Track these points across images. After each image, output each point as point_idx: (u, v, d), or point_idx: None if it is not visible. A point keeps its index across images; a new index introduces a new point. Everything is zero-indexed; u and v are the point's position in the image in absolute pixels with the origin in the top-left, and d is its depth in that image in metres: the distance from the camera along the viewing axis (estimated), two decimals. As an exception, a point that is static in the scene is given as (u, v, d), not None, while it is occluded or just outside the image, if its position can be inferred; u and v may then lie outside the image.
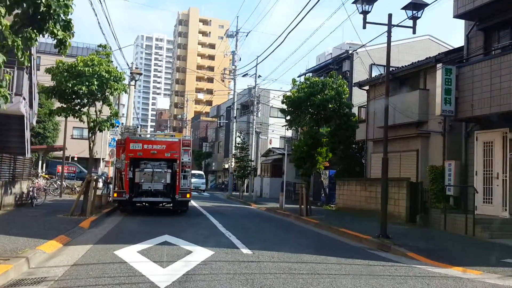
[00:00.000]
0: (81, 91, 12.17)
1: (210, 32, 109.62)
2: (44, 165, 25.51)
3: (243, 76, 38.37)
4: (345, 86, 15.96)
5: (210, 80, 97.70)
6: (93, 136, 13.17)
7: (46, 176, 22.05)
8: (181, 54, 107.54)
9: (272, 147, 37.47)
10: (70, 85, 11.99)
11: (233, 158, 33.54)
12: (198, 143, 62.34)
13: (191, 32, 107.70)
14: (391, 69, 19.00)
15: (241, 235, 9.98)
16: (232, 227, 11.73)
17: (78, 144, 42.52)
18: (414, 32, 11.25)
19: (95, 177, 12.90)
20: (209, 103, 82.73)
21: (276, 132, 44.83)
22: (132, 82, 21.88)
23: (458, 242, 10.77)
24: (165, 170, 14.36)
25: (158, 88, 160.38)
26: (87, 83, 12.10)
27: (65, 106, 12.81)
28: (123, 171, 13.97)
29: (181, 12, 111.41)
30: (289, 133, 42.62)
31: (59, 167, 25.85)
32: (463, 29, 14.41)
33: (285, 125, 41.03)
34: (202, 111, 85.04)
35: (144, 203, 14.77)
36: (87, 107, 13.27)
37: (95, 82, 12.16)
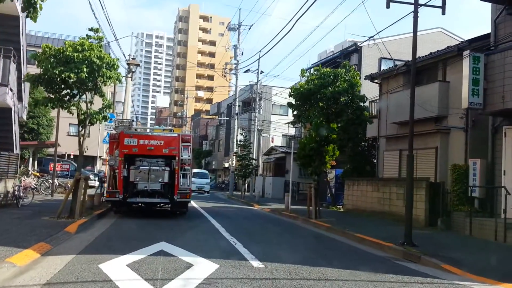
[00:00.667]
0: (69, 79, 10.93)
1: (210, 29, 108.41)
2: (36, 162, 24.26)
3: (245, 71, 37.10)
4: (357, 78, 14.70)
5: (211, 77, 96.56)
6: (84, 130, 11.93)
7: (38, 174, 20.80)
8: (181, 51, 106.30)
9: (275, 145, 36.24)
10: (57, 72, 10.75)
11: (235, 157, 32.31)
12: (198, 141, 61.12)
13: (192, 29, 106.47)
14: (404, 61, 17.79)
15: (247, 242, 8.76)
16: (236, 232, 10.51)
17: (75, 141, 41.33)
18: (443, 13, 10.01)
19: (85, 176, 11.67)
20: (209, 101, 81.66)
21: (278, 130, 43.62)
22: (129, 75, 20.65)
23: (493, 250, 9.56)
24: (163, 168, 13.15)
25: (158, 86, 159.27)
26: (76, 70, 10.86)
27: (52, 96, 11.55)
28: (117, 168, 12.75)
29: (181, 8, 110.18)
30: (292, 131, 41.49)
31: (52, 165, 24.64)
32: (490, 15, 13.17)
33: (288, 123, 39.89)
34: (202, 109, 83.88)
35: (139, 204, 13.53)
36: (77, 98, 12.04)
37: (85, 69, 10.91)
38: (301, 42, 53.15)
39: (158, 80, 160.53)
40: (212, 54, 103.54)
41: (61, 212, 11.05)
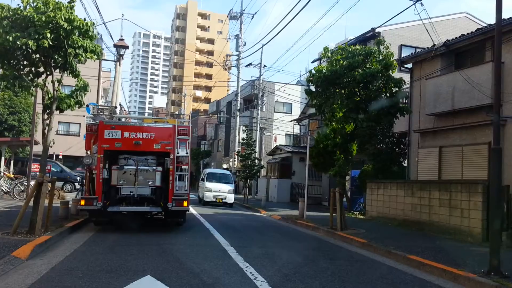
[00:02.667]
0: (28, 48, 8.20)
1: (209, 27, 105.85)
2: (12, 162, 21.47)
3: (247, 66, 34.41)
4: (391, 58, 11.99)
5: (209, 76, 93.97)
6: (49, 118, 9.18)
7: (12, 175, 18.03)
8: (179, 49, 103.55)
9: (280, 145, 33.48)
10: (11, 38, 8.00)
11: (237, 156, 29.56)
12: (196, 141, 58.28)
13: (189, 26, 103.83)
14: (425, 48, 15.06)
15: (273, 277, 6.01)
16: (252, 255, 7.78)
17: (65, 140, 38.51)
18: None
19: (50, 178, 8.91)
20: (207, 100, 79.17)
21: (282, 129, 40.93)
22: (118, 63, 17.90)
23: None
24: (154, 168, 10.41)
25: (155, 87, 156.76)
26: (36, 36, 8.13)
27: (7, 72, 8.80)
28: (95, 169, 10.00)
29: (179, 5, 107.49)
30: (296, 130, 38.78)
31: (34, 166, 21.89)
32: None
33: (294, 120, 37.15)
34: (200, 108, 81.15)
35: (124, 213, 10.72)
36: (43, 77, 9.32)
37: (49, 35, 8.18)
38: (304, 34, 50.49)
39: (156, 80, 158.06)
40: (210, 53, 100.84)
41: (18, 226, 8.31)
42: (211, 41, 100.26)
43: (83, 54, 9.08)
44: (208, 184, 22.34)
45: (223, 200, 21.88)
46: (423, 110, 14.56)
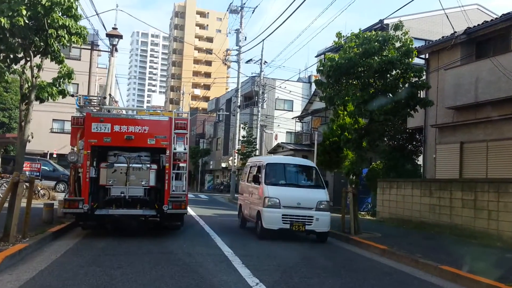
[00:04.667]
0: (1, 26, 7.07)
1: (207, 25, 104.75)
2: (0, 160, 20.29)
3: (247, 62, 33.25)
4: (411, 44, 10.87)
5: (207, 75, 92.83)
6: (27, 108, 8.04)
7: (-2, 174, 16.85)
8: (177, 48, 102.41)
9: (282, 142, 32.36)
10: (-21, 16, 6.87)
11: (237, 155, 28.44)
12: (194, 140, 57.13)
13: (188, 24, 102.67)
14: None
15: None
16: (260, 266, 6.66)
17: (59, 138, 37.27)
18: None
19: (27, 177, 7.77)
20: (206, 99, 78.12)
21: (282, 127, 39.84)
22: (111, 54, 16.73)
23: None
24: (148, 165, 9.27)
25: (154, 86, 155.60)
26: (10, 13, 6.99)
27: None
28: (81, 167, 8.86)
29: (177, 3, 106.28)
30: (298, 127, 37.67)
31: (25, 164, 20.85)
32: None
33: (296, 117, 35.98)
34: (198, 107, 79.97)
35: (115, 216, 9.53)
36: (22, 63, 8.19)
37: (24, 12, 7.04)
38: (303, 30, 49.56)
39: (154, 80, 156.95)
40: (209, 51, 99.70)
41: (-10, 233, 7.18)
42: (209, 40, 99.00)
43: (66, 36, 7.94)
44: (273, 190, 10.12)
45: (308, 227, 10.02)
46: (441, 103, 13.45)
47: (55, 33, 7.77)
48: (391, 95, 11.00)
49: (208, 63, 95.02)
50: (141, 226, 10.44)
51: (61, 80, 8.45)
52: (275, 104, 42.12)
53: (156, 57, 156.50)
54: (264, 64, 33.69)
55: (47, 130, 35.99)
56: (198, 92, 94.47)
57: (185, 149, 9.27)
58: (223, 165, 46.21)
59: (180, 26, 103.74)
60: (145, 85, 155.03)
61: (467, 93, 12.44)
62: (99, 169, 9.08)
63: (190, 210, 17.50)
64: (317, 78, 12.76)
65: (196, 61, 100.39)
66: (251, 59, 33.29)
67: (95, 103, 9.30)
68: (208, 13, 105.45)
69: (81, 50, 36.57)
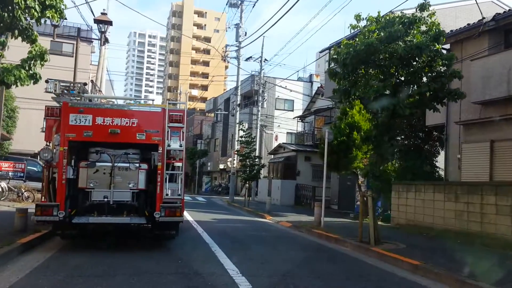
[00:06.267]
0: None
1: (205, 25, 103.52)
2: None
3: (247, 59, 31.88)
4: (439, 27, 9.50)
5: (205, 75, 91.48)
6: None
7: (-24, 175, 15.42)
8: (174, 47, 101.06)
9: (283, 143, 30.97)
10: None
11: (236, 155, 27.00)
12: (192, 141, 55.69)
13: (186, 24, 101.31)
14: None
15: None
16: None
17: (51, 138, 35.93)
18: None
19: None
20: (203, 100, 76.90)
21: (283, 127, 38.50)
22: (103, 45, 15.36)
23: None
24: (137, 165, 7.85)
25: (151, 87, 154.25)
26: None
27: None
28: (56, 166, 7.43)
29: (174, 3, 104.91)
30: (300, 127, 36.29)
31: (8, 164, 19.52)
32: None
33: (298, 117, 34.52)
34: (196, 107, 78.63)
35: (96, 225, 8.08)
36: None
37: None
38: (304, 26, 48.15)
39: (151, 80, 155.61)
40: (207, 51, 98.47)
41: None
42: (207, 40, 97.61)
43: (37, 7, 6.52)
44: None
45: None
46: (469, 97, 12.07)
47: (23, 3, 6.35)
48: (416, 86, 9.65)
49: (206, 63, 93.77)
50: (129, 235, 9.00)
51: (32, 62, 7.03)
52: (275, 103, 40.79)
53: (153, 58, 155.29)
54: (264, 62, 32.39)
55: (37, 130, 34.54)
56: (195, 93, 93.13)
57: (181, 145, 7.86)
58: (221, 166, 44.80)
59: (177, 26, 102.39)
60: (142, 86, 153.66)
61: (498, 85, 11.09)
62: (78, 169, 7.66)
63: (187, 215, 16.08)
64: (329, 68, 11.39)
65: (194, 61, 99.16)
66: (251, 57, 31.98)
67: (76, 91, 7.83)
68: (206, 12, 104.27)
69: (75, 46, 35.30)
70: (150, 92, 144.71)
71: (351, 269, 7.54)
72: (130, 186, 7.74)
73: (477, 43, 12.19)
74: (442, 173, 14.34)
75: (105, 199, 7.59)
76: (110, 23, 13.31)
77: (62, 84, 7.47)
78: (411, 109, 9.46)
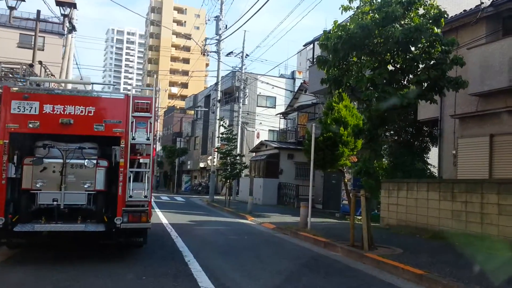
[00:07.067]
0: None
1: (185, 22, 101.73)
2: None
3: (228, 55, 30.70)
4: (438, 8, 8.56)
5: (185, 73, 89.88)
6: None
7: None
8: (153, 44, 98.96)
9: (265, 140, 29.94)
10: None
11: (216, 153, 25.84)
12: (171, 139, 54.19)
13: (165, 20, 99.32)
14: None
15: None
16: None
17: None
18: None
19: None
20: (183, 98, 75.38)
21: (265, 124, 37.43)
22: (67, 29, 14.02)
23: None
24: (94, 161, 6.64)
25: (129, 84, 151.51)
26: None
27: None
28: (-6, 163, 6.17)
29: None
30: (282, 125, 35.30)
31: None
32: None
33: (285, 112, 33.53)
34: (176, 105, 77.00)
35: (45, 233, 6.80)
36: None
37: None
38: (284, 19, 47.16)
39: (130, 78, 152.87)
40: (187, 48, 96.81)
41: None
42: (187, 37, 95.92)
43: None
44: None
45: None
46: (457, 92, 11.22)
47: None
48: (413, 74, 8.71)
49: (186, 60, 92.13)
50: (89, 243, 7.77)
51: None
52: (257, 100, 39.72)
53: (132, 55, 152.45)
54: (245, 57, 31.29)
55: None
56: (175, 90, 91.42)
57: (148, 138, 6.69)
58: (202, 165, 43.52)
59: (156, 23, 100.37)
60: (120, 84, 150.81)
61: (497, 75, 10.26)
62: (21, 166, 6.41)
63: (162, 216, 14.88)
64: (318, 55, 10.35)
65: (173, 59, 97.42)
66: (232, 52, 30.81)
67: (21, 72, 6.57)
68: (186, 9, 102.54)
69: (45, 39, 33.44)
70: (129, 90, 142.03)
71: (347, 282, 6.49)
72: (85, 186, 6.53)
73: (474, 31, 11.35)
74: (434, 170, 13.51)
75: (55, 203, 6.35)
76: (74, 5, 11.97)
77: (3, 65, 6.20)
78: (409, 99, 8.50)
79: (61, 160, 6.47)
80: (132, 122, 6.58)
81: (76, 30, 15.86)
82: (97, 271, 6.06)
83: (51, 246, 7.49)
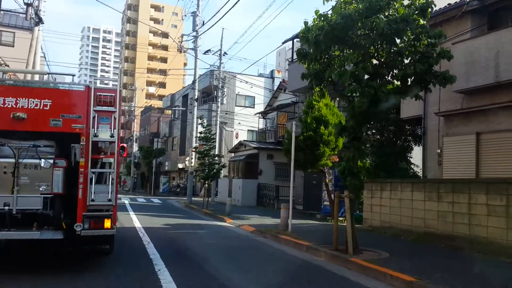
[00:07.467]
0: None
1: (162, 20, 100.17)
2: None
3: (205, 53, 29.96)
4: (424, -1, 8.14)
5: (163, 72, 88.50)
6: None
7: None
8: (130, 42, 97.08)
9: (244, 140, 29.34)
10: None
11: (194, 153, 25.10)
12: (148, 139, 53.01)
13: (142, 18, 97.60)
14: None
15: None
16: None
17: None
18: None
19: None
20: (161, 98, 74.17)
21: (244, 124, 36.87)
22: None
23: None
24: (50, 161, 5.92)
25: (106, 84, 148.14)
26: None
27: None
28: None
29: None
30: (261, 124, 34.79)
31: None
32: None
33: (264, 112, 32.96)
34: (153, 105, 75.65)
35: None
36: None
37: None
38: (262, 14, 46.44)
39: (106, 77, 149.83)
40: (164, 47, 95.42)
41: None
42: (165, 35, 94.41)
43: None
44: None
45: None
46: (447, 86, 10.87)
47: None
48: (399, 68, 8.26)
49: (164, 60, 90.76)
50: (49, 250, 7.02)
51: None
52: (235, 100, 39.13)
53: (108, 54, 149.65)
54: (224, 55, 30.67)
55: None
56: (153, 90, 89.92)
57: (112, 135, 6.00)
58: (180, 166, 42.62)
59: (133, 20, 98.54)
60: (96, 83, 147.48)
61: (484, 71, 9.94)
62: (-35, 167, 5.65)
63: (135, 220, 14.12)
64: (299, 48, 9.79)
65: (151, 58, 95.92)
66: (209, 50, 30.12)
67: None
68: (163, 7, 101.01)
69: (15, 34, 31.98)
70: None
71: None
72: (41, 189, 5.79)
73: (458, 26, 11.03)
74: (417, 170, 13.18)
75: (6, 208, 5.60)
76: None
77: None
78: (395, 94, 8.04)
79: (13, 160, 5.72)
80: (94, 117, 5.89)
81: (43, 23, 14.99)
82: (54, 283, 5.34)
83: (4, 252, 6.72)
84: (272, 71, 43.65)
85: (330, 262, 8.01)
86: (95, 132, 5.88)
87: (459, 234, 9.38)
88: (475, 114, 10.19)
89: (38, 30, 15.03)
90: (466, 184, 9.27)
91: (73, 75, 6.49)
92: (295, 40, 22.39)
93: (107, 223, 5.78)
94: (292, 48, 24.68)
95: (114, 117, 6.02)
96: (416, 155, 14.04)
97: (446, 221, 9.77)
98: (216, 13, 49.52)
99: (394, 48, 8.22)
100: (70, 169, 6.02)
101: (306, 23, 8.78)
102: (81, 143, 5.85)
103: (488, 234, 8.68)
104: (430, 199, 10.27)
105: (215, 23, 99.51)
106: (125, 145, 11.71)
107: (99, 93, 5.99)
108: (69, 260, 6.80)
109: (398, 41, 8.18)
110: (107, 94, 6.04)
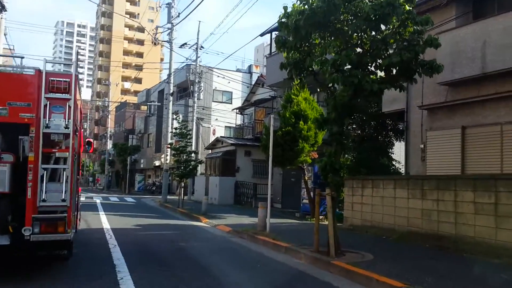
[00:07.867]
0: None
1: (138, 14, 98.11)
2: None
3: (181, 46, 29.13)
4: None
5: (139, 67, 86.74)
6: None
7: None
8: (105, 37, 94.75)
9: (221, 137, 28.60)
10: None
11: (169, 150, 24.26)
12: (123, 136, 51.58)
13: (117, 11, 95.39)
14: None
15: None
16: None
17: None
18: None
19: None
20: (136, 93, 72.67)
21: (221, 120, 36.12)
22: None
23: None
24: (-5, 156, 5.14)
25: (81, 80, 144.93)
26: None
27: None
28: None
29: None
30: (239, 121, 34.14)
31: None
32: None
33: (242, 107, 32.27)
34: (129, 101, 73.99)
35: None
36: None
37: None
38: (230, 12, 45.55)
39: (81, 73, 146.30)
40: (140, 42, 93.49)
41: None
42: (140, 30, 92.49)
43: None
44: None
45: None
46: (430, 78, 10.48)
47: None
48: (380, 58, 7.77)
49: (140, 55, 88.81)
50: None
51: None
52: (212, 95, 38.29)
53: (83, 49, 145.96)
54: (200, 49, 29.82)
55: None
56: (128, 85, 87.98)
57: (67, 126, 5.25)
58: (156, 163, 41.51)
59: (108, 14, 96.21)
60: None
61: (469, 62, 9.57)
62: None
63: (104, 221, 13.28)
64: (277, 35, 9.20)
65: (126, 52, 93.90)
66: (186, 43, 29.24)
67: None
68: (139, 1, 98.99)
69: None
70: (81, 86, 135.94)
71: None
72: (-19, 189, 5.03)
73: (443, 15, 10.64)
74: (399, 166, 12.80)
75: None
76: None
77: None
78: (379, 84, 7.54)
79: None
80: (45, 105, 5.14)
81: (6, 10, 14.00)
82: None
83: None
84: (250, 66, 43.01)
85: (311, 265, 7.47)
86: (47, 122, 5.13)
87: (444, 233, 8.99)
88: (460, 107, 9.81)
89: (1, 18, 14.01)
90: (452, 181, 8.87)
91: (22, 57, 5.69)
92: (273, 32, 21.80)
93: (61, 227, 5.05)
94: (270, 42, 24.11)
95: (69, 105, 5.28)
96: (397, 151, 13.68)
97: (431, 220, 9.37)
98: (191, 3, 48.32)
99: (379, 36, 7.72)
100: (18, 165, 5.26)
101: (285, 8, 8.18)
102: (31, 135, 5.10)
103: (475, 234, 8.30)
104: (414, 197, 9.86)
105: (189, 13, 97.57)
106: (91, 139, 10.89)
107: (51, 78, 5.23)
108: (16, 267, 6.03)
109: (383, 27, 7.69)
110: (61, 79, 5.29)
